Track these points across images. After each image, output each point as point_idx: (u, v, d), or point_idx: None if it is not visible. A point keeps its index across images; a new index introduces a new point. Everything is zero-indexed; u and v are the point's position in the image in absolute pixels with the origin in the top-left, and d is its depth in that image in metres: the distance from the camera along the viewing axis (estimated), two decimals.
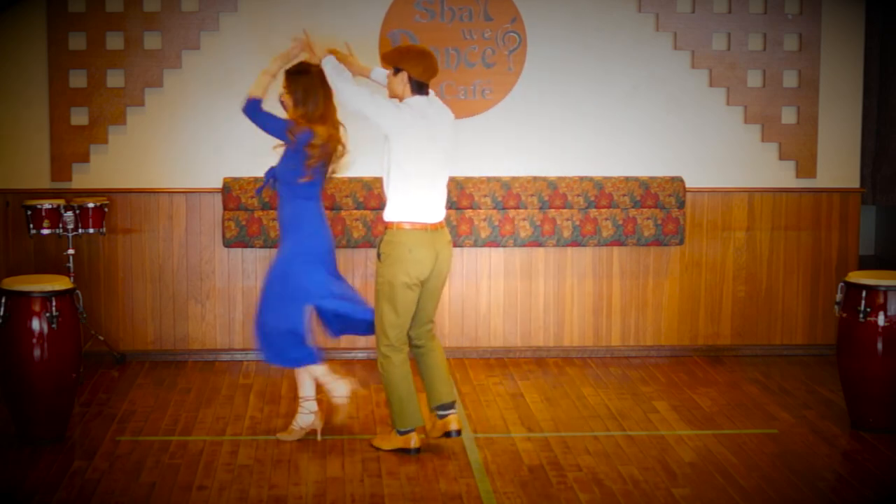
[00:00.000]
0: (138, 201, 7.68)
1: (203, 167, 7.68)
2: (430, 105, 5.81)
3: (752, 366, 7.71)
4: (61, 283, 6.06)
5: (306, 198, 5.96)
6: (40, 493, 5.33)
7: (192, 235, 7.72)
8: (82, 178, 7.64)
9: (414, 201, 5.74)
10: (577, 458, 5.84)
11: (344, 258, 7.77)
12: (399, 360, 5.86)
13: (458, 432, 5.92)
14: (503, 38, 7.73)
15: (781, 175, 7.97)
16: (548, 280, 7.85)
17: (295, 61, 6.03)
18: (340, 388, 6.08)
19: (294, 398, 6.89)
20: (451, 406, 5.94)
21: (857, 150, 8.04)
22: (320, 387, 6.15)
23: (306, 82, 5.93)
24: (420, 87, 5.78)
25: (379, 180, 7.54)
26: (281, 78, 6.02)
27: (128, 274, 7.70)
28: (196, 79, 7.64)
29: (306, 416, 6.13)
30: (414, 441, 5.90)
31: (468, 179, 7.63)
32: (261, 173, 7.55)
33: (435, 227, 5.79)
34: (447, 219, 7.53)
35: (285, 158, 5.95)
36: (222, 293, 7.73)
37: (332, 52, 5.94)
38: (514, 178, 7.68)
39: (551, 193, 7.65)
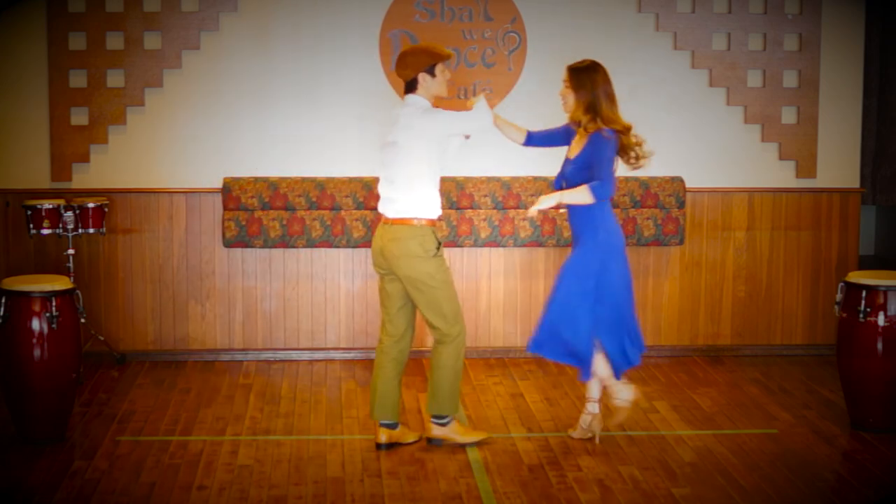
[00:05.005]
0: (138, 201, 7.68)
1: (203, 167, 7.68)
2: (402, 105, 5.93)
3: (752, 366, 7.71)
4: (61, 283, 6.06)
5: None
6: (40, 493, 5.33)
7: (192, 235, 7.72)
8: (82, 178, 7.64)
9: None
10: (577, 458, 5.84)
11: (344, 258, 7.78)
12: (378, 350, 6.03)
13: (429, 440, 6.03)
14: (503, 38, 7.73)
15: (781, 175, 7.97)
16: (548, 280, 7.85)
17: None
18: (624, 392, 6.10)
19: (293, 398, 6.90)
20: (437, 417, 6.03)
21: (857, 150, 8.04)
22: (604, 390, 6.14)
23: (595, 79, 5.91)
24: (405, 87, 5.95)
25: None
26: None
27: (128, 274, 7.71)
28: (196, 79, 7.64)
29: (585, 417, 6.14)
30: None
31: (468, 179, 7.63)
32: (261, 173, 7.64)
33: (386, 222, 5.92)
34: (447, 218, 7.53)
35: (591, 159, 5.87)
36: (222, 293, 7.73)
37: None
38: (514, 178, 7.68)
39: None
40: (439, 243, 5.87)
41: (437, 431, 6.00)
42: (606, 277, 5.88)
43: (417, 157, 5.81)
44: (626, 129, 5.88)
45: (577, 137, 6.01)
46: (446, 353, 5.92)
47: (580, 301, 5.88)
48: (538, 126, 6.26)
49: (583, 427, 6.11)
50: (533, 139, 6.21)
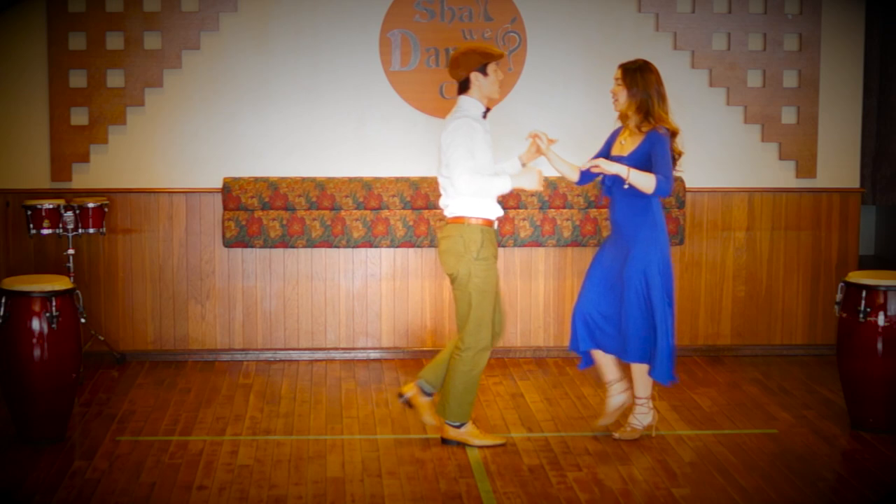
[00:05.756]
0: (138, 201, 7.68)
1: (203, 167, 7.68)
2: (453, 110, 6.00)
3: (752, 366, 7.71)
4: (61, 283, 6.06)
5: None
6: (40, 493, 5.33)
7: (192, 235, 7.72)
8: (82, 178, 7.64)
9: None
10: (577, 458, 5.84)
11: (344, 258, 7.78)
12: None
13: (443, 441, 6.03)
14: (503, 38, 7.73)
15: (781, 175, 7.97)
16: (548, 280, 7.85)
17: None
18: (646, 419, 6.14)
19: (293, 398, 6.89)
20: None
21: (857, 150, 8.04)
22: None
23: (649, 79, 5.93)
24: (458, 88, 6.00)
25: (380, 180, 7.59)
26: None
27: (128, 274, 7.71)
28: (196, 79, 7.64)
29: (646, 415, 6.15)
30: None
31: None
32: (261, 173, 7.64)
33: (444, 221, 6.06)
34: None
35: (650, 154, 5.86)
36: (222, 293, 7.74)
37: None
38: None
39: (551, 193, 7.65)
40: (482, 243, 5.82)
41: (451, 433, 6.00)
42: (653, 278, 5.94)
43: (447, 163, 5.86)
44: (675, 133, 5.90)
45: (624, 134, 6.00)
46: (460, 360, 5.91)
47: (664, 305, 5.93)
48: (537, 127, 6.29)
49: (643, 425, 6.14)
50: (585, 175, 6.13)
